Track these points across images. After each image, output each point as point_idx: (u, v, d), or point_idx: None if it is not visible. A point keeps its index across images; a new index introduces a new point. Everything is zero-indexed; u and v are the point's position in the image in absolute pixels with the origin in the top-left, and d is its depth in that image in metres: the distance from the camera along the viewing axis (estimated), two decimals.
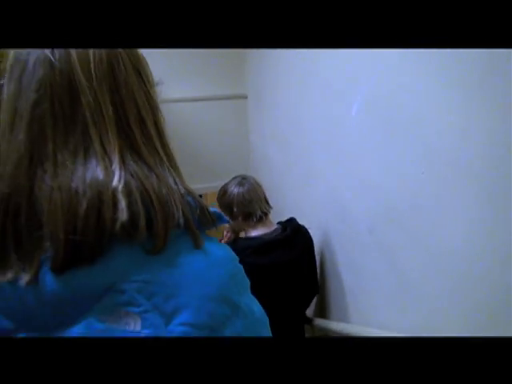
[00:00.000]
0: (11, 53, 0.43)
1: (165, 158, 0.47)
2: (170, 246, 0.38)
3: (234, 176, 1.65)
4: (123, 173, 0.38)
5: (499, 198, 0.72)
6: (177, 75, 3.05)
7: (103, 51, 0.42)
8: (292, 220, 1.60)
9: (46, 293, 0.35)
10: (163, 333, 0.36)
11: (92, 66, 0.41)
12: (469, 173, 0.79)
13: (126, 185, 0.37)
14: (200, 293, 0.38)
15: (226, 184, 1.52)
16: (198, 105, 3.22)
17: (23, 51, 0.41)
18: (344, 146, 1.43)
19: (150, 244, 0.37)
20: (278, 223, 1.60)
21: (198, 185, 3.38)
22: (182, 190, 0.43)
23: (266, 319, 0.45)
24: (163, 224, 0.38)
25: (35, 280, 0.35)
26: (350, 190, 1.41)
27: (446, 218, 0.88)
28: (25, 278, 0.34)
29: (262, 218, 1.48)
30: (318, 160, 1.74)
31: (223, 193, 1.50)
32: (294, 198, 2.22)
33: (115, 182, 0.37)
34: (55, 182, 0.36)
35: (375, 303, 1.29)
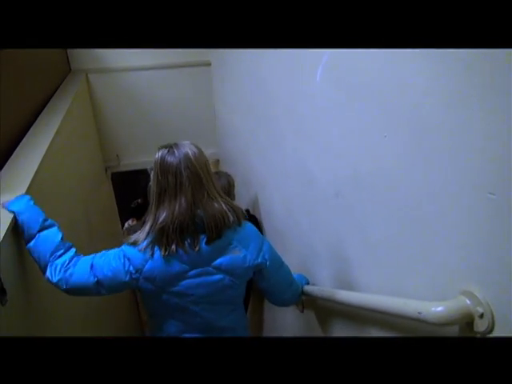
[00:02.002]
0: (160, 159, 1.12)
1: (219, 194, 1.17)
2: (236, 226, 1.17)
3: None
4: (223, 204, 1.14)
5: (460, 152, 0.73)
6: None
7: (202, 159, 1.16)
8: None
9: (202, 252, 1.12)
10: (253, 257, 1.19)
11: (200, 164, 1.12)
12: (429, 130, 0.80)
13: (227, 209, 1.14)
14: (259, 240, 1.22)
15: None
16: (160, 73, 3.10)
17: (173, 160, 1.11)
18: (308, 112, 1.42)
19: (233, 228, 1.16)
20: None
21: None
22: (231, 207, 1.17)
23: None
24: (235, 221, 1.16)
25: (196, 246, 1.11)
26: (315, 154, 1.41)
27: (409, 179, 0.89)
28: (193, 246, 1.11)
29: None
30: (283, 126, 1.72)
31: None
32: (260, 164, 2.21)
33: (223, 208, 1.13)
34: (206, 211, 1.11)
35: (343, 265, 1.32)
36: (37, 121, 1.72)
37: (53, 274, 1.09)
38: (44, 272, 1.10)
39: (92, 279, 1.10)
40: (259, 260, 1.19)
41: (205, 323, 1.23)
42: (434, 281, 0.85)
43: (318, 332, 1.67)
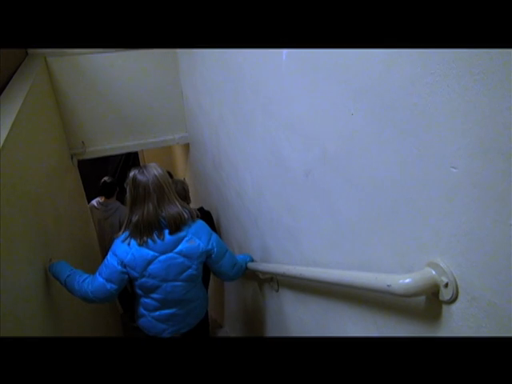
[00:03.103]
0: (133, 178, 1.55)
1: (176, 200, 1.60)
2: (191, 222, 1.62)
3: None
4: (181, 208, 1.59)
5: (424, 128, 0.74)
6: None
7: (164, 176, 1.58)
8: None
9: (166, 241, 1.56)
10: (204, 245, 1.64)
11: (162, 179, 1.55)
12: (393, 106, 0.81)
13: (183, 210, 1.59)
14: (208, 233, 1.68)
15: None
16: (123, 56, 3.00)
17: (142, 178, 1.54)
18: (276, 92, 1.41)
19: (188, 223, 1.62)
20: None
21: (134, 141, 3.26)
22: (186, 209, 1.62)
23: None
24: (189, 218, 1.62)
25: (163, 237, 1.55)
26: (284, 135, 1.41)
27: (376, 156, 0.90)
28: (160, 237, 1.55)
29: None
30: (251, 107, 1.71)
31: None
32: (231, 146, 2.20)
33: (180, 209, 1.58)
34: (167, 212, 1.54)
35: (315, 244, 1.34)
36: None
37: (83, 295, 1.58)
38: (79, 297, 1.60)
39: (101, 280, 1.57)
40: (209, 247, 1.66)
41: (174, 297, 1.67)
42: (402, 254, 0.88)
43: (290, 309, 1.70)
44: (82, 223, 3.04)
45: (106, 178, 3.71)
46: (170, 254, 1.58)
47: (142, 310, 1.73)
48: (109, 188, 3.69)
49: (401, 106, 0.79)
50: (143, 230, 1.53)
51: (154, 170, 1.55)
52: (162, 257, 1.57)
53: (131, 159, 6.16)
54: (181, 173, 4.80)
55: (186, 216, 1.58)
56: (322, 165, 1.17)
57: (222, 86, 2.11)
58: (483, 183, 0.63)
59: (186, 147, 3.63)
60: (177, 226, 1.56)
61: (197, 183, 3.70)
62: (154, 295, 1.65)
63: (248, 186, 2.00)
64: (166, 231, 1.56)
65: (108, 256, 1.58)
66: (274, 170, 1.58)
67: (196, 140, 3.20)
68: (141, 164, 6.22)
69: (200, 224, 1.66)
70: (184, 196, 2.40)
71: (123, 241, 1.56)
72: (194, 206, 4.24)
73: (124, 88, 3.09)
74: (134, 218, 1.53)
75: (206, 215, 2.71)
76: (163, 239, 1.55)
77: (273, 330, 2.09)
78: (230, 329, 3.33)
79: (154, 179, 1.53)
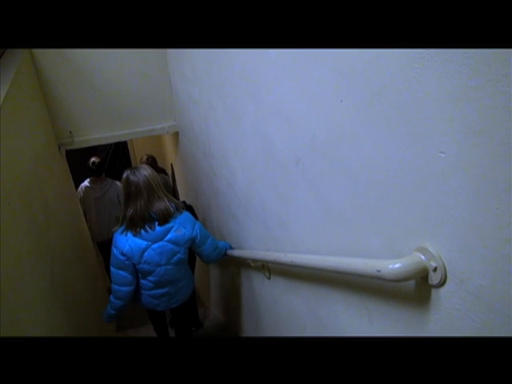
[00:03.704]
0: (126, 178, 1.83)
1: (165, 195, 1.88)
2: (176, 214, 1.90)
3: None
4: (168, 202, 1.86)
5: (413, 113, 0.74)
6: None
7: (153, 176, 1.86)
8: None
9: (157, 232, 1.83)
10: (190, 233, 1.93)
11: (151, 179, 1.82)
12: (381, 92, 0.81)
13: (170, 205, 1.87)
14: (193, 222, 1.98)
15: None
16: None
17: (134, 179, 1.81)
18: (264, 78, 1.40)
19: (175, 216, 1.90)
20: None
21: (122, 131, 3.22)
22: (172, 203, 1.90)
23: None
24: (175, 211, 1.92)
25: (153, 228, 1.83)
26: (274, 122, 1.40)
27: (364, 142, 0.90)
28: (151, 228, 1.83)
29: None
30: (240, 95, 1.70)
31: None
32: (220, 135, 2.18)
33: (167, 204, 1.85)
34: (156, 207, 1.81)
35: (304, 231, 1.35)
36: None
37: (114, 295, 1.98)
38: (117, 301, 1.99)
39: (114, 270, 1.90)
40: (193, 234, 1.96)
41: (167, 278, 1.98)
42: (392, 240, 0.89)
43: (282, 296, 1.72)
44: (72, 213, 3.02)
45: (93, 159, 3.76)
46: (161, 243, 1.86)
47: (140, 290, 2.05)
48: (99, 167, 3.79)
49: (390, 92, 0.79)
50: (137, 223, 1.81)
51: (144, 171, 1.82)
52: (155, 245, 1.85)
53: (120, 149, 6.10)
54: (170, 162, 4.77)
55: (172, 209, 1.87)
56: (311, 152, 1.17)
57: (211, 74, 2.08)
58: (471, 168, 0.63)
59: (176, 136, 3.60)
60: (165, 218, 1.85)
61: (186, 172, 3.68)
62: (150, 278, 1.95)
63: (238, 175, 2.00)
64: (156, 223, 1.84)
65: (112, 249, 1.88)
66: (264, 158, 1.58)
67: (185, 128, 3.18)
68: (131, 160, 6.17)
69: (186, 215, 1.96)
70: (169, 189, 2.58)
71: (121, 233, 1.86)
72: (181, 196, 4.23)
73: (112, 77, 3.04)
74: (129, 213, 1.81)
75: (188, 209, 2.77)
76: (154, 230, 1.83)
77: (265, 317, 2.10)
78: (223, 316, 3.36)
79: (145, 179, 1.80)
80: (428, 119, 0.70)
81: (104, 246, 3.88)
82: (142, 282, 1.99)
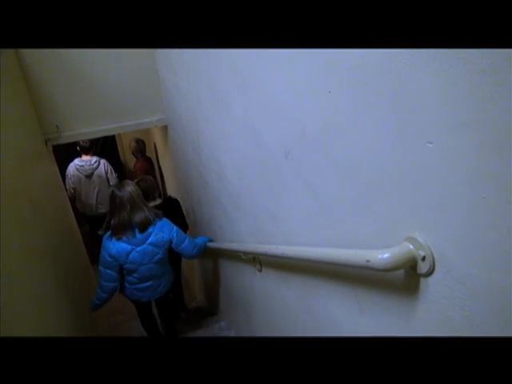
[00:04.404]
0: (112, 192, 2.18)
1: (145, 206, 2.22)
2: (156, 221, 2.23)
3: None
4: (148, 213, 2.18)
5: (402, 104, 0.75)
6: None
7: (135, 191, 2.19)
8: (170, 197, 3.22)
9: (138, 238, 2.16)
10: (167, 236, 2.26)
11: (134, 194, 2.15)
12: (371, 83, 0.81)
13: (149, 214, 2.19)
14: (170, 227, 2.29)
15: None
16: None
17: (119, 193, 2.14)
18: (252, 71, 1.39)
19: (154, 223, 2.22)
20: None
21: (110, 125, 3.18)
22: (152, 213, 2.23)
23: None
24: (154, 219, 2.24)
25: (134, 235, 2.16)
26: (263, 115, 1.40)
27: (354, 133, 0.91)
28: (132, 236, 2.15)
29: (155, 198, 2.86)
30: (228, 88, 1.69)
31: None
32: (209, 128, 2.17)
33: (147, 213, 2.18)
34: (137, 217, 2.14)
35: (295, 224, 1.35)
36: None
37: (101, 289, 2.31)
38: (104, 294, 2.31)
39: (102, 269, 2.22)
40: (170, 236, 2.29)
41: (148, 274, 2.33)
42: (381, 230, 0.89)
43: (274, 288, 1.73)
44: (60, 209, 2.99)
45: (80, 141, 3.95)
46: (143, 246, 2.20)
47: (126, 284, 2.40)
48: (87, 146, 4.08)
49: (378, 83, 0.79)
50: (120, 230, 2.15)
51: (128, 188, 2.16)
52: (138, 248, 2.19)
53: (109, 143, 6.04)
54: (160, 157, 4.74)
55: (151, 218, 2.20)
56: (300, 144, 1.17)
57: (199, 67, 2.07)
58: (458, 157, 0.64)
59: (165, 129, 3.58)
60: (144, 226, 2.18)
61: (176, 166, 3.66)
62: (135, 275, 2.31)
63: (228, 168, 1.99)
64: (137, 230, 2.17)
65: (101, 251, 2.21)
66: (253, 152, 1.58)
67: (174, 122, 3.15)
68: (119, 154, 6.11)
69: (164, 221, 2.29)
70: (153, 189, 2.87)
71: (107, 238, 2.19)
72: (170, 191, 4.21)
73: (98, 70, 2.99)
74: (114, 222, 2.15)
75: (173, 202, 3.16)
76: (135, 237, 2.17)
77: (257, 309, 2.12)
78: (215, 309, 3.37)
79: (128, 194, 2.13)
80: (416, 110, 0.71)
81: (92, 220, 4.43)
82: (128, 278, 2.34)
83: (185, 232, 2.59)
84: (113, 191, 2.16)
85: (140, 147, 4.52)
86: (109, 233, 2.19)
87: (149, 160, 4.70)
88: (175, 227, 2.31)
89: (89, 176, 4.13)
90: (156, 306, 2.72)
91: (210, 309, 3.52)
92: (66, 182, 4.11)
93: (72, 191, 4.14)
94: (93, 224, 4.48)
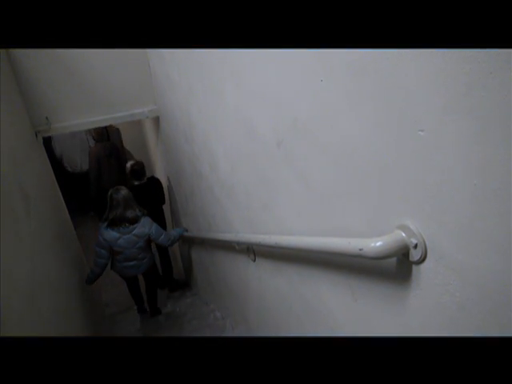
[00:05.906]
0: (110, 194, 2.92)
1: (136, 206, 2.94)
2: (142, 218, 2.96)
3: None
4: (137, 210, 2.93)
5: (393, 92, 0.75)
6: None
7: (128, 194, 2.97)
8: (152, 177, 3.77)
9: (125, 229, 2.92)
10: (147, 231, 2.99)
11: (127, 196, 2.98)
12: (363, 71, 0.81)
13: (137, 212, 2.93)
14: (150, 224, 3.02)
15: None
16: None
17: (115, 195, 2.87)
18: (243, 60, 1.38)
19: (140, 219, 2.96)
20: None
21: (101, 116, 3.15)
22: (139, 211, 2.96)
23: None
24: (140, 216, 2.96)
25: (124, 227, 2.92)
26: (254, 104, 1.39)
27: (346, 122, 0.90)
28: (123, 227, 2.95)
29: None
30: (219, 77, 1.67)
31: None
32: (201, 119, 2.16)
33: (136, 212, 2.92)
34: (128, 214, 2.89)
35: (288, 213, 1.36)
36: None
37: (96, 264, 2.97)
38: (98, 269, 2.99)
39: (97, 248, 2.92)
40: (149, 231, 2.98)
41: (132, 257, 3.05)
42: (374, 218, 0.90)
43: (268, 277, 1.74)
44: (53, 202, 2.97)
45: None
46: (129, 235, 2.92)
47: (115, 262, 3.10)
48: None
49: (370, 71, 0.78)
50: (114, 223, 2.87)
51: (122, 191, 2.86)
52: (125, 236, 2.92)
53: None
54: (152, 147, 4.71)
55: (138, 215, 2.92)
56: (293, 134, 1.17)
57: (189, 56, 2.04)
58: (449, 145, 0.64)
59: (156, 121, 3.55)
60: (133, 221, 2.90)
61: (168, 157, 3.64)
62: (121, 256, 3.03)
63: (221, 159, 1.99)
64: (128, 224, 2.89)
65: (98, 236, 2.91)
66: (246, 141, 1.57)
67: (166, 113, 3.13)
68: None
69: (146, 219, 2.99)
70: (145, 171, 3.58)
71: (105, 228, 2.88)
72: (159, 175, 4.20)
73: (88, 61, 2.95)
74: (110, 216, 2.85)
75: (156, 182, 3.69)
76: (125, 228, 2.89)
77: (251, 299, 2.13)
78: (209, 300, 3.38)
79: (122, 196, 2.85)
80: (407, 98, 0.70)
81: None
82: (117, 257, 3.07)
83: (161, 208, 3.73)
84: (111, 193, 2.86)
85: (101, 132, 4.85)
86: (106, 224, 2.90)
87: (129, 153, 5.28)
88: (154, 224, 3.05)
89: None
90: (144, 279, 3.45)
91: (213, 308, 3.54)
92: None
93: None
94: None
